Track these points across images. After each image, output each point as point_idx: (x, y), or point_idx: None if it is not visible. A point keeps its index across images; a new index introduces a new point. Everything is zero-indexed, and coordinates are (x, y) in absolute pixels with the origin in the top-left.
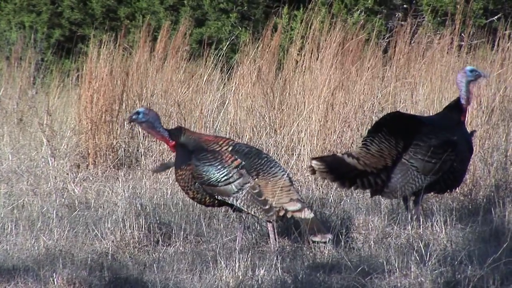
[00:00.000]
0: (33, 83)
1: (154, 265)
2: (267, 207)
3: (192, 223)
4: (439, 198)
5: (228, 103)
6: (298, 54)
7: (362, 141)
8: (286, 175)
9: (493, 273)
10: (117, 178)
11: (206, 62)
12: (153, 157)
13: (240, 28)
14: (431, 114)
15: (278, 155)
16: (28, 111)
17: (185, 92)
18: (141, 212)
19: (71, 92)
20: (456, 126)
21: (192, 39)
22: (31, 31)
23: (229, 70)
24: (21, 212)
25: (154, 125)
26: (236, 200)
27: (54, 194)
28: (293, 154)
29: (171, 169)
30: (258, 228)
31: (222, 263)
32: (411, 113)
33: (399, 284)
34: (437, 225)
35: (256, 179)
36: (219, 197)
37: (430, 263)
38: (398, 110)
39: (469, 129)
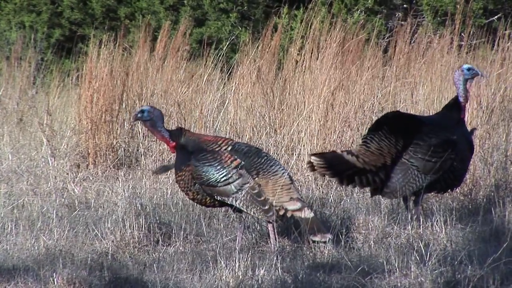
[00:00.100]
0: (33, 83)
1: (154, 265)
2: (266, 207)
3: (192, 223)
4: (439, 198)
5: (228, 103)
6: (298, 54)
7: (362, 139)
8: (286, 174)
9: (493, 273)
10: (117, 178)
11: (206, 62)
12: (153, 157)
13: (240, 28)
14: (430, 114)
15: (278, 155)
16: (28, 111)
17: (185, 92)
18: (141, 212)
19: (71, 92)
20: (456, 125)
21: (192, 39)
22: (31, 31)
23: (229, 70)
24: (21, 212)
25: (156, 124)
26: (236, 201)
27: (54, 194)
28: (293, 154)
29: (171, 170)
30: (258, 228)
31: (222, 263)
32: (411, 113)
33: (399, 284)
34: (437, 225)
35: (256, 178)
36: (219, 198)
37: (430, 263)
38: (398, 110)
39: (469, 128)
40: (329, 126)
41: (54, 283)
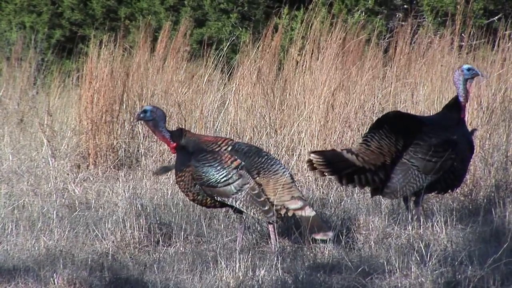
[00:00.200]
0: (33, 83)
1: (155, 265)
2: (266, 208)
3: (192, 223)
4: (440, 198)
5: (228, 104)
6: (298, 55)
7: (363, 137)
8: (287, 172)
9: (494, 274)
10: (118, 178)
11: (206, 62)
12: (153, 157)
13: (241, 29)
14: (431, 114)
15: (278, 155)
16: (28, 111)
17: (185, 93)
18: (141, 213)
19: (71, 93)
20: (456, 125)
21: (192, 40)
22: (31, 32)
23: (229, 70)
24: (22, 213)
25: (158, 124)
26: (236, 201)
27: (54, 195)
28: (293, 154)
29: (171, 171)
30: (258, 229)
31: (223, 263)
32: (412, 113)
33: (399, 285)
34: (437, 225)
35: (257, 178)
36: (219, 198)
37: (430, 263)
38: (398, 110)
39: (469, 129)
40: (329, 126)
41: (55, 284)
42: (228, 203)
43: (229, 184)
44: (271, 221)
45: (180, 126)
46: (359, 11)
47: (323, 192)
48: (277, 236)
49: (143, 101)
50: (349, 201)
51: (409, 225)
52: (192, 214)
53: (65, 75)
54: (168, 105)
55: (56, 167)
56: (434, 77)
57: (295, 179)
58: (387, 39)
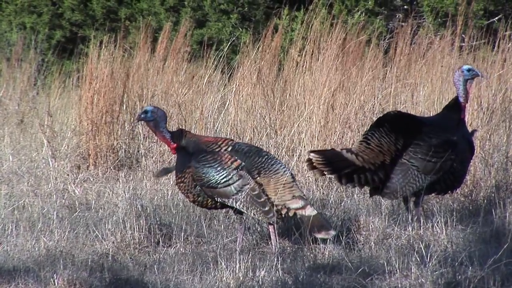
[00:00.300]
0: (34, 84)
1: (155, 266)
2: (266, 208)
3: (192, 224)
4: (440, 199)
5: (228, 104)
6: (298, 55)
7: (363, 135)
8: (288, 172)
9: (494, 274)
10: (118, 179)
11: (206, 63)
12: (153, 158)
13: (241, 29)
14: (431, 115)
15: (278, 156)
16: (29, 112)
17: (185, 93)
18: (141, 213)
19: (71, 93)
20: (456, 126)
21: (192, 40)
22: (32, 32)
23: (229, 71)
24: (22, 213)
25: (159, 125)
26: (236, 202)
27: (54, 195)
28: (293, 155)
29: (172, 172)
30: (258, 229)
31: (223, 264)
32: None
33: (399, 285)
34: (437, 226)
35: (258, 178)
36: (219, 199)
37: (430, 264)
38: (399, 110)
39: (469, 130)
40: (329, 127)
41: (55, 284)
42: (229, 204)
43: (229, 185)
44: (271, 222)
45: (180, 127)
46: (359, 11)
47: (323, 193)
48: (277, 237)
49: (143, 101)
50: (349, 201)
51: (409, 225)
52: (192, 215)
53: (65, 75)
54: (168, 105)
55: (56, 168)
56: (434, 77)
57: (296, 179)
58: (387, 39)
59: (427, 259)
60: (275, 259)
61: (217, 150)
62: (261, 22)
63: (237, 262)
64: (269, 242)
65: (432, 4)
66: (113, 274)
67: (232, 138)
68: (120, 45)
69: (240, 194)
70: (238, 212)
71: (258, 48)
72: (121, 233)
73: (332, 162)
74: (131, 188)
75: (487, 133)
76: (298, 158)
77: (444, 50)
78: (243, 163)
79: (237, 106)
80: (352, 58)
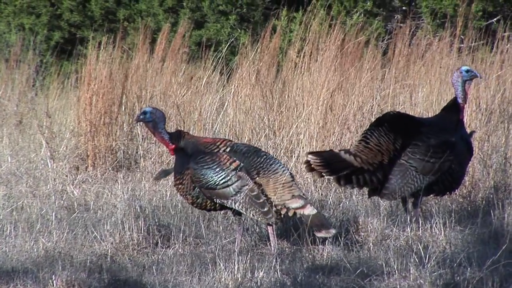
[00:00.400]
0: (32, 85)
1: (153, 267)
2: (265, 209)
3: (191, 225)
4: (438, 200)
5: (227, 105)
6: (297, 56)
7: (362, 134)
8: (287, 171)
9: (492, 275)
10: (116, 180)
11: (205, 64)
12: (152, 159)
13: (239, 30)
14: (429, 116)
15: (277, 157)
16: (27, 113)
17: (184, 94)
18: (140, 214)
19: (70, 94)
20: (455, 127)
21: (191, 41)
22: (30, 33)
23: (228, 72)
24: (20, 214)
25: (158, 126)
26: (235, 203)
27: (53, 196)
28: (292, 156)
29: (171, 174)
30: (257, 230)
31: (221, 265)
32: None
33: (398, 286)
34: (436, 227)
35: (257, 178)
36: (218, 201)
37: (429, 265)
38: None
39: (468, 131)
40: (328, 128)
41: (53, 285)
42: (227, 205)
43: (228, 186)
44: (270, 223)
45: (179, 128)
46: (358, 13)
47: (321, 194)
48: (276, 238)
49: (142, 103)
50: (347, 202)
51: (408, 226)
52: (190, 216)
53: (64, 76)
54: (167, 106)
55: (55, 169)
56: (433, 78)
57: (295, 178)
58: (386, 41)
59: (425, 260)
60: (274, 260)
61: (215, 151)
62: (259, 23)
63: (235, 263)
64: (268, 243)
65: (430, 5)
66: (111, 275)
67: (231, 139)
68: (119, 46)
69: (239, 195)
70: (237, 213)
71: (256, 49)
72: (119, 234)
73: (330, 164)
74: (129, 189)
75: (486, 134)
76: (297, 159)
77: (443, 51)
78: (241, 164)
79: (236, 107)
80: (350, 59)
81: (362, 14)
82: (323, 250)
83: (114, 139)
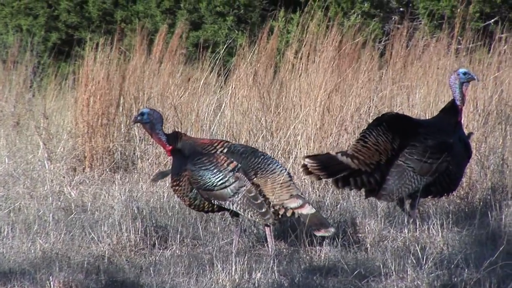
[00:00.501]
0: (30, 86)
1: (151, 268)
2: (263, 210)
3: (188, 226)
4: (436, 201)
5: (224, 106)
6: (294, 57)
7: (361, 134)
8: (285, 171)
9: (490, 277)
10: (114, 181)
11: (202, 65)
12: (149, 160)
13: (237, 32)
14: (427, 118)
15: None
16: (24, 114)
17: (181, 96)
18: (137, 215)
19: (67, 95)
20: (453, 129)
21: (188, 42)
22: (28, 34)
23: (225, 73)
24: (18, 215)
25: (155, 127)
26: (232, 204)
27: (50, 197)
28: (289, 157)
29: (168, 176)
30: (254, 231)
31: (219, 266)
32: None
33: (395, 287)
34: (433, 228)
35: (255, 178)
36: (216, 202)
37: (426, 266)
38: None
39: (466, 132)
40: (325, 129)
41: (51, 286)
42: (225, 206)
43: (226, 187)
44: (268, 224)
45: (176, 129)
46: (355, 14)
47: (319, 195)
48: (273, 239)
49: (139, 104)
50: (345, 204)
51: (405, 228)
52: (188, 217)
53: (61, 78)
54: (164, 108)
55: (52, 170)
56: (430, 80)
57: (292, 178)
58: (383, 42)
59: (423, 261)
60: (271, 261)
61: (212, 152)
62: (257, 24)
63: (233, 264)
64: (265, 244)
65: (428, 6)
66: (109, 276)
67: (228, 140)
68: (116, 47)
69: (236, 196)
70: (234, 214)
71: (254, 51)
72: (117, 235)
73: (327, 167)
74: (127, 190)
75: (483, 135)
76: (294, 160)
77: (440, 52)
78: (239, 165)
79: (233, 109)
80: (348, 61)
81: (360, 15)
82: (320, 251)
83: (112, 140)
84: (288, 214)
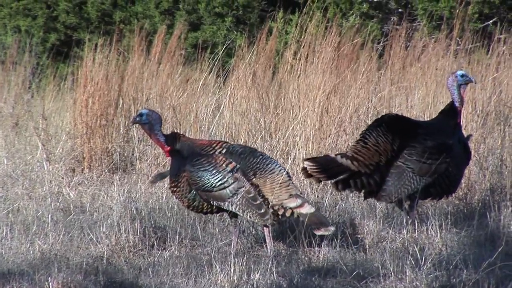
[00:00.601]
0: (28, 87)
1: (149, 269)
2: (262, 211)
3: (187, 227)
4: (434, 202)
5: (223, 107)
6: (293, 58)
7: (361, 134)
8: (283, 171)
9: (488, 277)
10: (112, 182)
11: (201, 66)
12: (148, 161)
13: (236, 32)
14: (426, 119)
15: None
16: (23, 115)
17: (180, 96)
18: (136, 216)
19: (66, 96)
20: (453, 130)
21: (187, 43)
22: (26, 35)
23: (224, 74)
24: (16, 216)
25: (154, 128)
26: (231, 205)
27: (49, 198)
28: (288, 158)
29: (167, 177)
30: (253, 232)
31: (217, 267)
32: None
33: None
34: (432, 229)
35: (254, 179)
36: (215, 203)
37: (425, 267)
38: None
39: (465, 134)
40: (324, 130)
41: (49, 287)
42: (224, 207)
43: (224, 188)
44: (267, 224)
45: (175, 130)
46: (354, 15)
47: (318, 196)
48: (272, 240)
49: (138, 105)
50: (344, 204)
51: (404, 229)
52: (187, 218)
53: (60, 79)
54: (163, 109)
55: (51, 171)
56: (429, 81)
57: (292, 178)
58: (382, 43)
59: (421, 262)
60: (270, 262)
61: (211, 152)
62: (255, 25)
63: (231, 265)
64: (264, 245)
65: (426, 7)
66: (107, 277)
67: (227, 141)
68: (115, 48)
69: (235, 197)
70: (233, 215)
71: (252, 52)
72: (115, 236)
73: (327, 169)
74: (125, 191)
75: (482, 136)
76: (293, 161)
77: (439, 53)
78: (238, 165)
79: (232, 109)
80: (346, 62)
81: (358, 16)
82: (319, 252)
83: (110, 141)
84: (288, 214)
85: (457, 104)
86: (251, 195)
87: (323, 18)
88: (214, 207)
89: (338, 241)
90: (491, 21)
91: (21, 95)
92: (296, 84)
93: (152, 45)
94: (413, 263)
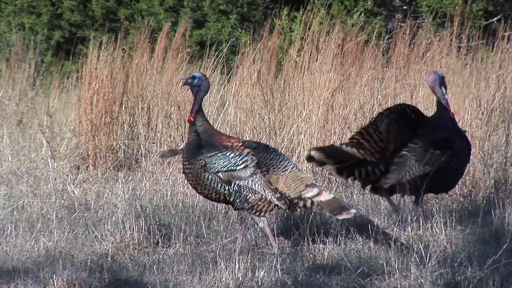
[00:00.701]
0: (33, 84)
1: (154, 266)
2: (278, 195)
3: (192, 224)
4: (439, 200)
5: (228, 105)
6: (297, 56)
7: (372, 119)
8: (295, 168)
9: (493, 275)
10: (117, 179)
11: (206, 63)
12: (153, 158)
13: (240, 30)
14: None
15: None
16: (28, 112)
17: (185, 94)
18: (141, 214)
19: (71, 94)
20: (453, 125)
21: (192, 41)
22: (31, 33)
23: (229, 71)
24: (21, 214)
25: (198, 94)
26: (253, 182)
27: (54, 196)
28: (293, 155)
29: (178, 155)
30: (258, 230)
31: (222, 264)
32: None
33: (399, 286)
34: (437, 226)
35: (267, 175)
36: (237, 182)
37: (430, 264)
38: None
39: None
40: (328, 127)
41: (54, 285)
42: (247, 184)
43: (247, 166)
44: (283, 208)
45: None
46: (358, 12)
47: None
48: (274, 237)
49: (143, 102)
50: (348, 201)
51: (409, 226)
52: (191, 215)
53: (64, 76)
54: (168, 106)
55: (56, 168)
56: None
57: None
58: (386, 40)
59: (426, 259)
60: (275, 260)
61: (229, 145)
62: (260, 22)
63: (236, 262)
64: (268, 243)
65: (431, 4)
66: (112, 274)
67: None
68: (120, 45)
69: (255, 176)
70: (239, 208)
71: (257, 49)
72: (120, 233)
73: (333, 157)
74: (130, 189)
75: (486, 134)
76: (298, 158)
77: (443, 51)
78: (253, 151)
79: (237, 107)
80: (351, 59)
81: (363, 13)
82: (324, 250)
83: (115, 139)
84: (308, 204)
85: (443, 101)
86: (266, 179)
87: (327, 15)
88: (222, 197)
89: (343, 238)
90: (495, 18)
91: (26, 93)
92: (301, 82)
93: (156, 42)
94: (417, 260)
